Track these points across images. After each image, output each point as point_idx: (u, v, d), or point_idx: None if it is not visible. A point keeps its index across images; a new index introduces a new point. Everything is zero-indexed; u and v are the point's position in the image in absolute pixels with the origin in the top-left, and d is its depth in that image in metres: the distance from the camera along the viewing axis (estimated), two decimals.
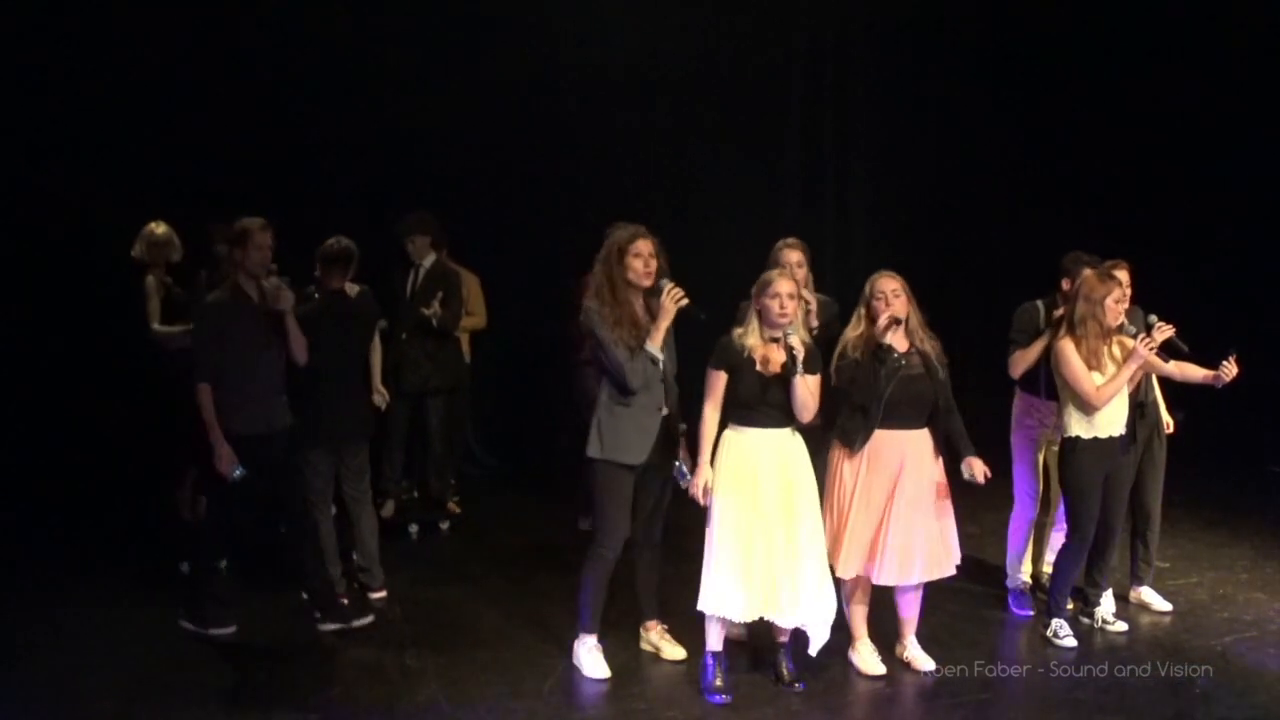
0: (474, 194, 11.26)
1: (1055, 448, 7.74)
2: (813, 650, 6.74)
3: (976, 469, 6.79)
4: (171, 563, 8.52)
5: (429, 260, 9.46)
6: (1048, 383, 7.61)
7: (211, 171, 10.18)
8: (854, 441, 6.80)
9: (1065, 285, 7.60)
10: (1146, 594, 8.08)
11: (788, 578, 6.56)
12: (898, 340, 6.76)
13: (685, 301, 6.69)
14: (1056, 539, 8.05)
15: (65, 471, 10.01)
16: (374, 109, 11.07)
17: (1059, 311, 7.58)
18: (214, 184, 10.01)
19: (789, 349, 6.48)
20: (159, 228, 8.97)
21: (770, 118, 13.05)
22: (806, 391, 6.55)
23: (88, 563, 8.79)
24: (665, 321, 6.74)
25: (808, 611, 6.63)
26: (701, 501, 6.65)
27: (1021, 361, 7.76)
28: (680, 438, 7.08)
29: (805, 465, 6.74)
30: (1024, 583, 8.12)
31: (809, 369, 6.54)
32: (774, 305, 6.56)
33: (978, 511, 9.58)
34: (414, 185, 10.70)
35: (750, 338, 6.63)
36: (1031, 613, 7.93)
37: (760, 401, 6.61)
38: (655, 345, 6.75)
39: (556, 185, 11.86)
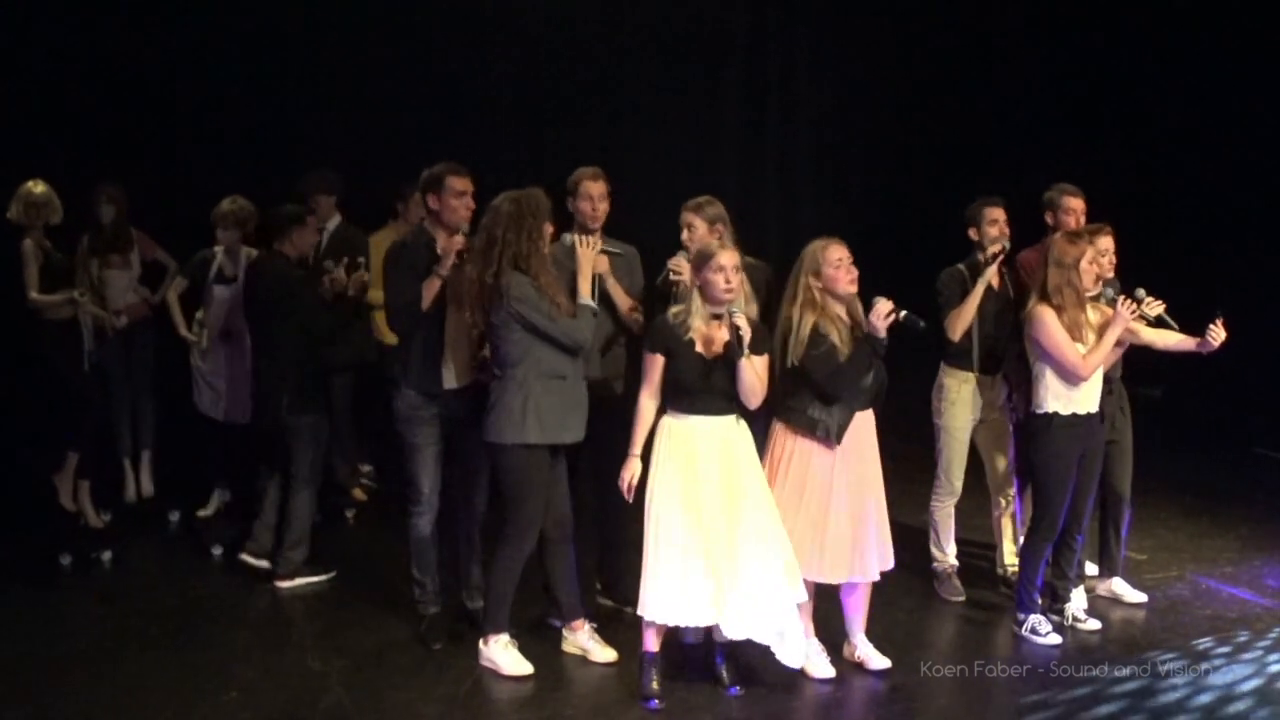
0: (379, 149, 11.07)
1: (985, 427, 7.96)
2: (794, 663, 6.59)
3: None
4: (52, 553, 8.48)
5: (334, 222, 9.23)
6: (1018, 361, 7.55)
7: (95, 128, 10.06)
8: (831, 431, 6.62)
9: (973, 234, 7.88)
10: (1117, 585, 8.04)
11: (732, 579, 6.36)
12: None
13: (600, 249, 6.76)
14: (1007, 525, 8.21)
15: None
16: (273, 57, 10.99)
17: (988, 250, 7.70)
18: (98, 141, 9.90)
19: (734, 328, 6.26)
20: (37, 187, 8.86)
21: (711, 68, 13.13)
22: (754, 375, 6.38)
23: None
24: (588, 269, 6.75)
25: (760, 621, 6.42)
26: (627, 496, 6.52)
27: (958, 320, 7.76)
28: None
29: (751, 454, 6.57)
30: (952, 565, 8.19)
31: (756, 349, 6.38)
32: (719, 280, 6.35)
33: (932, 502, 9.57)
34: (316, 139, 10.61)
35: (694, 318, 6.43)
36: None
37: (702, 387, 6.45)
38: (586, 296, 6.71)
39: (474, 141, 11.71)
